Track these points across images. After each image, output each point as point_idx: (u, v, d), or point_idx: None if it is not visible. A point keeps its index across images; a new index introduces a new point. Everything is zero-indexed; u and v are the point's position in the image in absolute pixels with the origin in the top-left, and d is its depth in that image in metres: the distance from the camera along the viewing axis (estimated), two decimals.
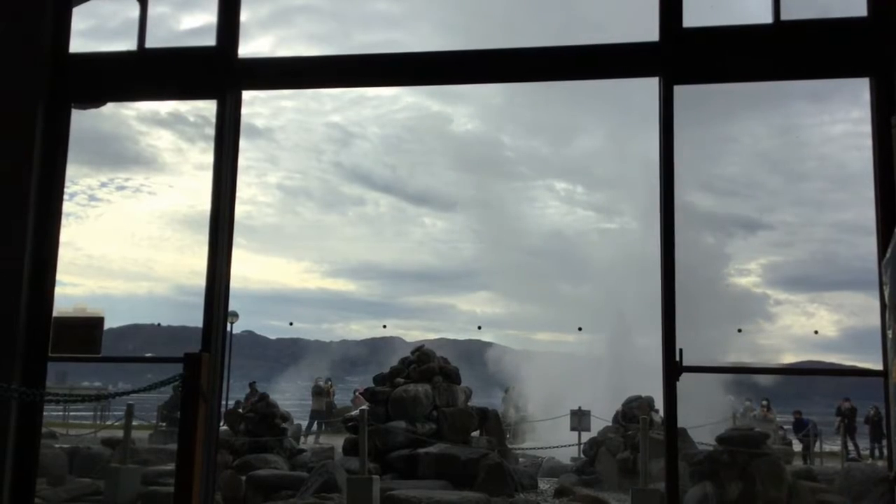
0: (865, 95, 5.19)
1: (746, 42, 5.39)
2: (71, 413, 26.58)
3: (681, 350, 5.04)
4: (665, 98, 5.34)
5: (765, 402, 21.57)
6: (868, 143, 5.13)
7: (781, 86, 7.54)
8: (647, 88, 5.57)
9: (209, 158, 5.77)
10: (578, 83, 6.28)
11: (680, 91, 5.36)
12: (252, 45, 5.90)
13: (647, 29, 5.48)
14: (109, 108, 6.34)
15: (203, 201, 5.87)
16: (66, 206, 5.96)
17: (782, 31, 5.33)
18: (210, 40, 5.90)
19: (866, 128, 5.13)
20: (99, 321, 5.87)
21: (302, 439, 21.10)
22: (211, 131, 5.82)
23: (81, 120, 6.07)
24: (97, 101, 6.24)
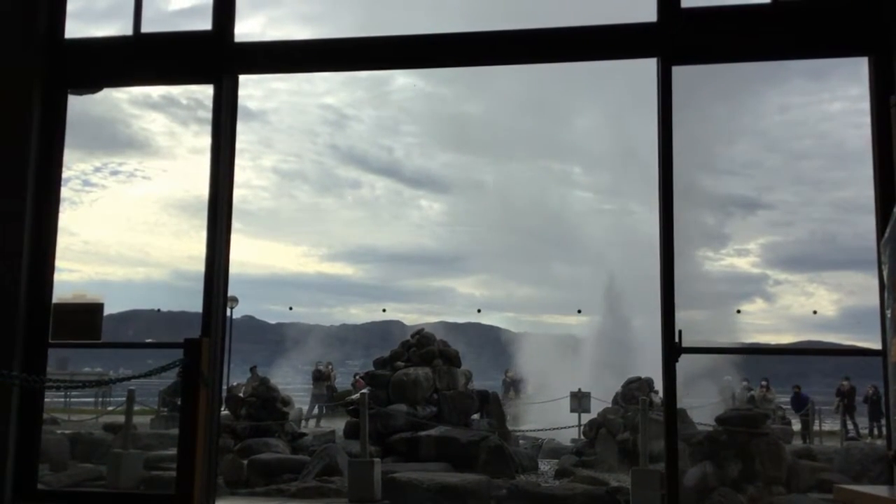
0: (864, 72, 5.17)
1: (745, 22, 5.36)
2: (72, 399, 26.63)
3: (680, 331, 5.05)
4: (663, 78, 5.31)
5: (764, 382, 21.60)
6: (867, 120, 5.11)
7: (780, 63, 7.49)
8: (645, 69, 5.55)
9: (203, 142, 5.79)
10: (576, 63, 6.24)
11: (678, 71, 5.34)
12: (243, 26, 5.84)
13: (645, 9, 5.45)
14: (101, 91, 6.29)
15: (198, 185, 5.85)
16: (62, 192, 5.94)
17: (781, 11, 5.31)
18: (201, 22, 5.85)
19: (865, 105, 5.11)
20: (98, 307, 5.87)
21: (303, 423, 21.14)
22: (204, 114, 5.87)
23: (73, 104, 6.02)
24: (94, 86, 6.21)
